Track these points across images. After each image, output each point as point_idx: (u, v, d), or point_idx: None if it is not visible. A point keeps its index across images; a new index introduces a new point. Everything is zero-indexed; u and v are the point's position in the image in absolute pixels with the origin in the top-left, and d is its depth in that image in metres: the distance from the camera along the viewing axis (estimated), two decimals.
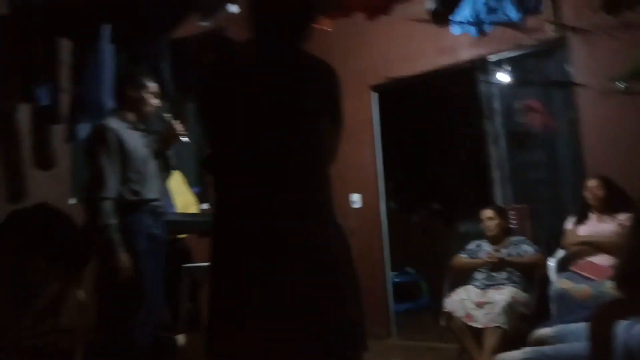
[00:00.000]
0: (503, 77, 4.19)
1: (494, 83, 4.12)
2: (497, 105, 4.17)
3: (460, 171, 6.65)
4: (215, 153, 1.54)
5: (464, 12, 2.74)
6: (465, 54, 4.00)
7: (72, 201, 3.27)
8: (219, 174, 1.53)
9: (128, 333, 2.36)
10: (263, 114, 1.44)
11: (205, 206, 4.07)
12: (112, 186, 2.34)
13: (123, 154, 2.39)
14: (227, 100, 1.49)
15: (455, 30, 2.94)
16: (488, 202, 3.87)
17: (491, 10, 2.77)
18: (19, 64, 2.69)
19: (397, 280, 5.17)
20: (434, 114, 6.28)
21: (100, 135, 2.36)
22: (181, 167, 3.55)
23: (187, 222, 3.08)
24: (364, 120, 4.50)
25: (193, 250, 3.55)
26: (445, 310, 3.27)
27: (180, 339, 2.69)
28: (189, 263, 3.36)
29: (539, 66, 4.11)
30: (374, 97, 4.59)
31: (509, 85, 4.20)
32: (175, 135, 2.61)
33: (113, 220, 2.30)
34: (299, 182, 1.46)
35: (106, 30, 2.61)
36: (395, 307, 4.61)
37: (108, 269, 2.32)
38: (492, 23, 2.81)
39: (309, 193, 1.46)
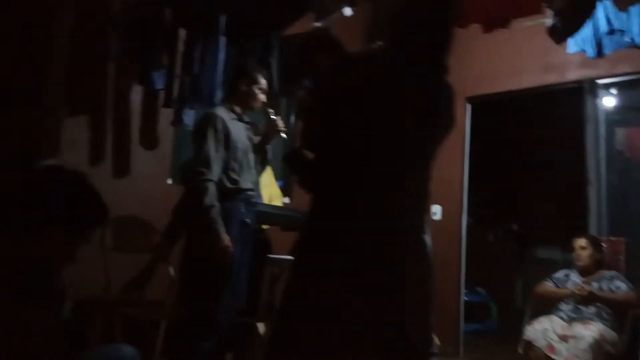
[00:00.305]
0: (610, 101, 3.97)
1: (600, 106, 3.90)
2: (600, 130, 3.95)
3: (549, 194, 6.35)
4: (320, 153, 1.55)
5: (584, 31, 2.60)
6: (573, 73, 3.81)
7: (169, 181, 3.43)
8: (307, 172, 1.54)
9: (211, 314, 2.44)
10: (380, 122, 1.44)
11: (287, 200, 4.15)
12: (215, 171, 2.43)
13: (227, 142, 2.48)
14: (346, 105, 1.49)
15: (571, 48, 2.80)
16: (579, 231, 3.67)
17: (614, 31, 2.62)
18: (138, 49, 2.85)
19: (467, 299, 5.03)
20: (530, 131, 6.04)
21: (210, 122, 2.45)
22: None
23: (274, 214, 3.14)
24: (456, 131, 4.39)
25: (273, 241, 3.62)
26: (525, 338, 3.14)
27: (261, 327, 2.75)
28: (269, 254, 3.42)
29: None
30: (468, 108, 4.48)
31: (616, 111, 3.96)
32: (276, 131, 2.67)
33: (216, 202, 2.38)
34: (401, 193, 1.45)
35: (222, 23, 2.71)
36: (463, 326, 4.49)
37: (203, 248, 2.40)
38: (614, 44, 2.65)
39: (406, 204, 1.45)
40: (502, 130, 6.08)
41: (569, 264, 3.50)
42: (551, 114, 5.07)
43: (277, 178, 4.04)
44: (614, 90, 3.93)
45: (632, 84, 3.79)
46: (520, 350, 3.16)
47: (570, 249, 3.44)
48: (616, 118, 4.01)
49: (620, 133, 4.04)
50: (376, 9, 1.57)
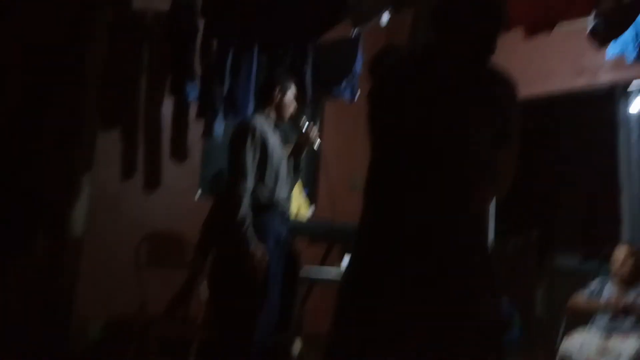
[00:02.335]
0: None
1: (633, 111, 3.82)
2: (634, 135, 3.87)
3: (573, 202, 6.24)
4: (377, 159, 1.51)
5: (625, 35, 2.52)
6: (605, 77, 3.74)
7: (199, 193, 3.39)
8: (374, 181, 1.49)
9: (247, 333, 2.38)
10: (432, 120, 1.42)
11: (312, 207, 4.10)
12: (251, 181, 2.37)
13: (264, 152, 2.41)
14: (397, 106, 1.47)
15: (611, 52, 2.71)
16: (606, 239, 3.60)
17: None
18: (170, 60, 2.81)
19: None
20: (561, 136, 5.92)
21: (247, 131, 2.38)
22: None
23: (305, 228, 3.10)
24: None
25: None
26: (561, 353, 3.07)
27: (297, 343, 2.70)
28: (298, 266, 3.36)
29: None
30: None
31: None
32: (310, 141, 2.61)
33: (249, 216, 2.32)
34: (455, 198, 1.41)
35: (255, 32, 2.67)
36: None
37: (236, 262, 2.34)
38: None
39: (462, 211, 1.42)
40: (526, 134, 5.95)
41: (593, 274, 3.42)
42: (581, 119, 4.97)
43: (303, 186, 4.01)
44: None
45: None
46: None
47: (595, 257, 3.38)
48: None
49: None
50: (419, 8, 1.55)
